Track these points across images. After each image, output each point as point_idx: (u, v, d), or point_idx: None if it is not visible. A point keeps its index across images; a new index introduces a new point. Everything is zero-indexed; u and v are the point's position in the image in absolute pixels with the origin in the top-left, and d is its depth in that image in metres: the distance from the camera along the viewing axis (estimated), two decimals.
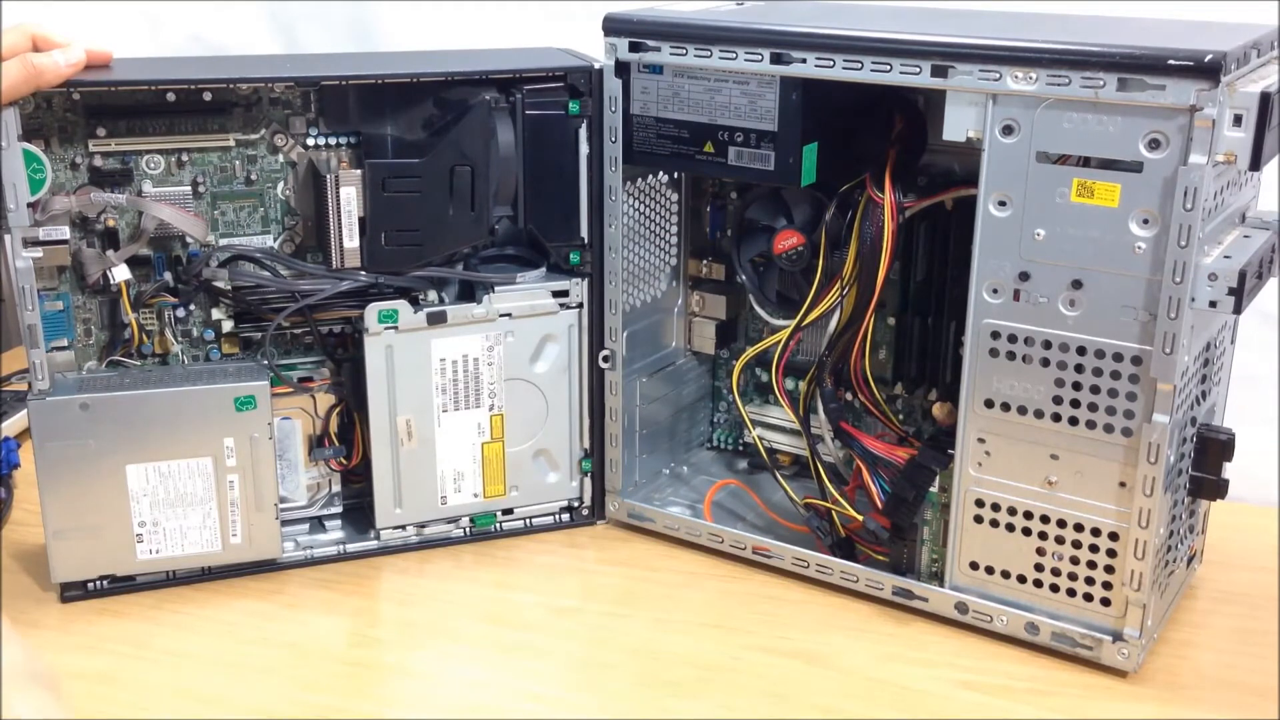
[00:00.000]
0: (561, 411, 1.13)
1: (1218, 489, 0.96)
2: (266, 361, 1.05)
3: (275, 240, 1.07)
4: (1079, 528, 0.93)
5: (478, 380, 1.09)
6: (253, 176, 1.05)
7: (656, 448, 1.20)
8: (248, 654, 0.96)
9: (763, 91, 0.97)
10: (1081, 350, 0.89)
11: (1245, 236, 0.92)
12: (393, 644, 1.00)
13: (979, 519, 0.97)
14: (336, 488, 1.13)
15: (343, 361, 1.09)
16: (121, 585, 1.03)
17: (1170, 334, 0.85)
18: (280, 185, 1.06)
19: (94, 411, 0.97)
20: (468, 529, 1.13)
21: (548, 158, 1.06)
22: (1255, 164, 0.82)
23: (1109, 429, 0.90)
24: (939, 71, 0.89)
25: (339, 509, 1.13)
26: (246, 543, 1.04)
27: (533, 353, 1.10)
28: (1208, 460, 0.95)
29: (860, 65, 0.92)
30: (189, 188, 1.03)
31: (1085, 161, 0.87)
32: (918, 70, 0.90)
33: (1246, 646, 0.99)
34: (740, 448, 1.26)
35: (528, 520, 1.15)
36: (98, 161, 1.00)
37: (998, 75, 0.87)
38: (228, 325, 1.06)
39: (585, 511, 1.16)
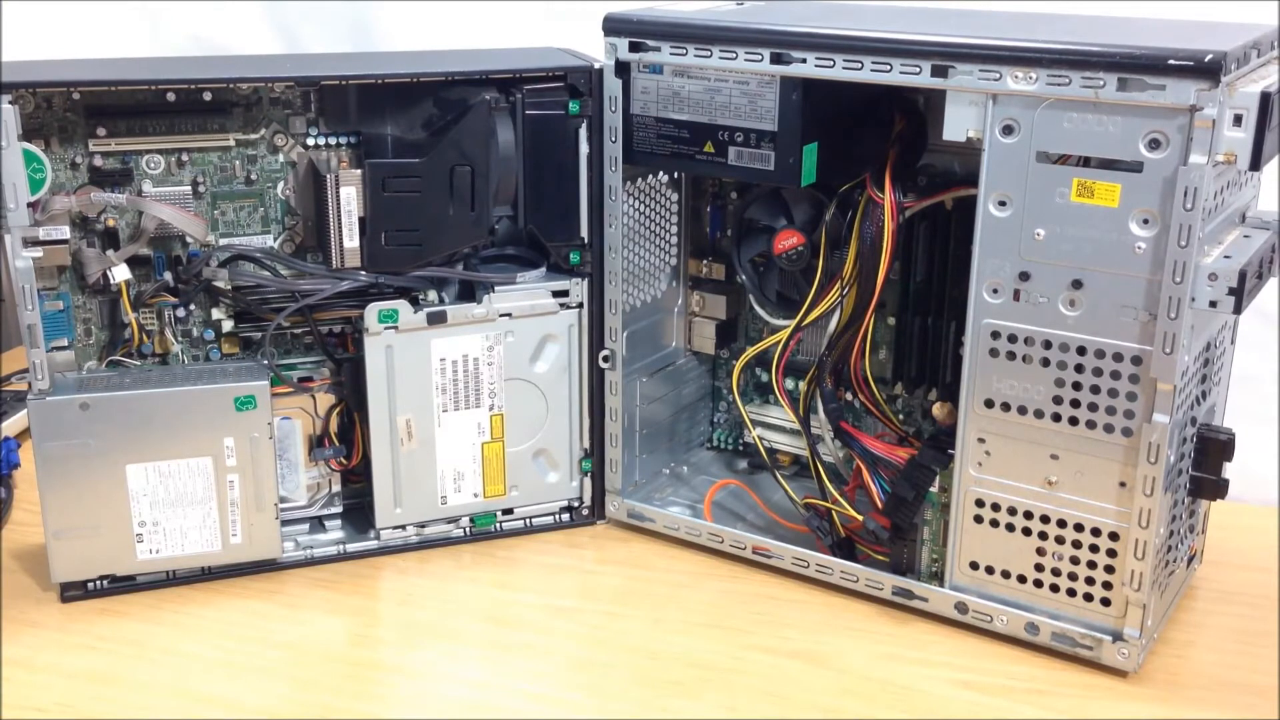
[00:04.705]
0: (561, 411, 1.13)
1: (1218, 489, 0.96)
2: (266, 361, 1.05)
3: (275, 240, 1.07)
4: (1079, 528, 0.93)
5: (478, 380, 1.09)
6: (253, 176, 1.05)
7: (656, 448, 1.20)
8: (248, 654, 0.96)
9: (763, 91, 0.97)
10: (1081, 350, 0.89)
11: (1245, 236, 0.92)
12: (393, 644, 1.00)
13: (979, 519, 0.97)
14: (336, 488, 1.13)
15: (343, 361, 1.09)
16: (121, 585, 1.03)
17: (1170, 334, 0.85)
18: (280, 185, 1.06)
19: (94, 411, 0.97)
20: (468, 529, 1.13)
21: (548, 158, 1.06)
22: (1255, 164, 0.82)
23: (1109, 429, 0.90)
24: (939, 71, 0.89)
25: (339, 509, 1.13)
26: (246, 543, 1.04)
27: (533, 353, 1.10)
28: (1208, 460, 0.95)
29: (860, 65, 0.92)
30: (189, 188, 1.03)
31: (1085, 161, 0.87)
32: (918, 70, 0.90)
33: (1246, 646, 0.99)
34: (740, 448, 1.26)
35: (528, 520, 1.15)
36: (98, 161, 1.00)
37: (998, 75, 0.87)
38: (228, 325, 1.06)
39: (585, 511, 1.16)
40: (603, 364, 1.12)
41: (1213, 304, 0.85)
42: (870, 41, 0.91)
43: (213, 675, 0.94)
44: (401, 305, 1.05)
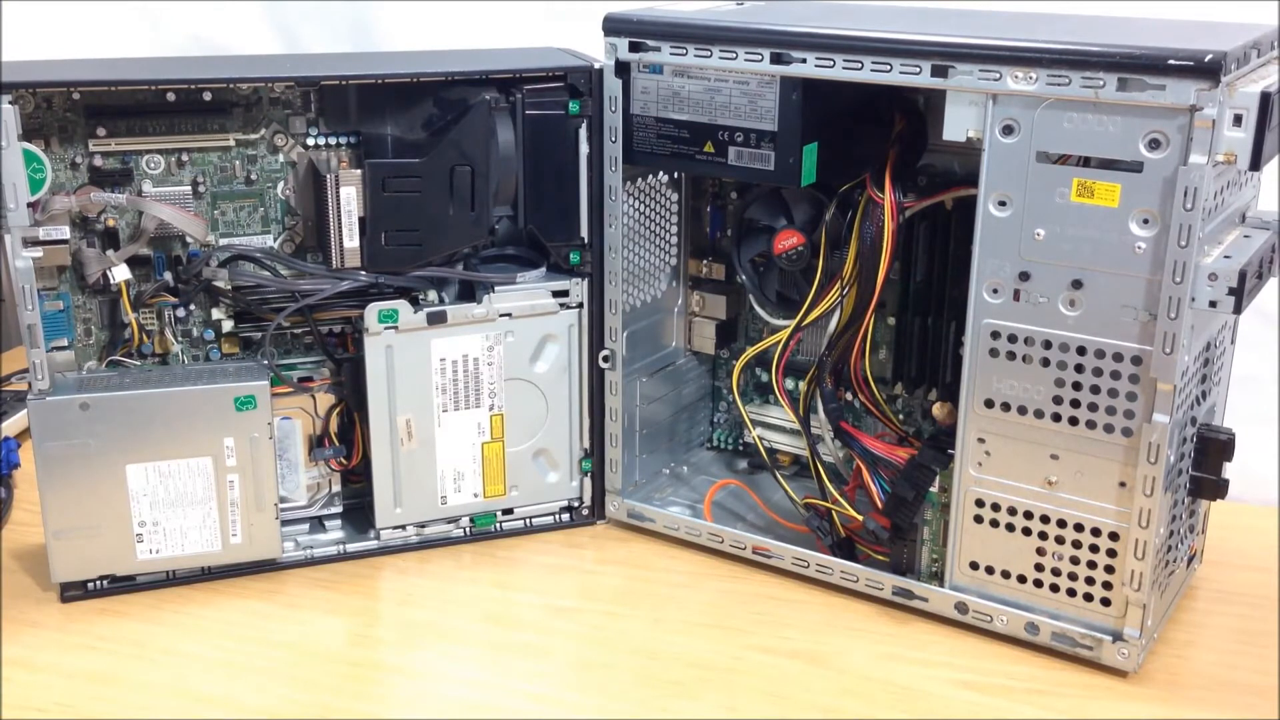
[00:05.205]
0: (561, 411, 1.13)
1: (1218, 489, 0.96)
2: (266, 361, 1.05)
3: (275, 240, 1.07)
4: (1079, 528, 0.93)
5: (478, 380, 1.09)
6: (253, 176, 1.05)
7: (656, 448, 1.20)
8: (248, 654, 0.96)
9: (763, 91, 0.97)
10: (1081, 350, 0.89)
11: (1245, 236, 0.92)
12: (393, 644, 1.00)
13: (979, 519, 0.97)
14: (336, 488, 1.13)
15: (343, 361, 1.09)
16: (121, 585, 1.03)
17: (1170, 334, 0.85)
18: (280, 185, 1.06)
19: (94, 411, 0.97)
20: (468, 529, 1.13)
21: (548, 158, 1.06)
22: (1255, 164, 0.82)
23: (1109, 429, 0.90)
24: (939, 71, 0.89)
25: (339, 509, 1.13)
26: (246, 543, 1.04)
27: (533, 353, 1.10)
28: (1208, 460, 0.95)
29: (860, 65, 0.92)
30: (189, 188, 1.03)
31: (1085, 161, 0.87)
32: (918, 70, 0.90)
33: (1246, 646, 0.99)
34: (740, 448, 1.26)
35: (528, 520, 1.15)
36: (98, 161, 1.00)
37: (998, 75, 0.87)
38: (228, 325, 1.06)
39: (585, 511, 1.16)
40: (603, 364, 1.12)
41: (1213, 304, 0.85)
42: (870, 41, 0.91)
43: (213, 675, 0.94)
44: (401, 305, 1.05)
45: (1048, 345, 0.91)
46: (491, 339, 1.08)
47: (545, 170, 1.06)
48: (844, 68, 0.92)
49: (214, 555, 1.04)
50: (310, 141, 1.06)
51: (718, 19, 1.00)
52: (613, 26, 1.02)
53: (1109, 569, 0.92)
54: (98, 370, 1.04)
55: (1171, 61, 0.81)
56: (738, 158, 0.99)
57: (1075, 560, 0.93)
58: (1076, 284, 0.88)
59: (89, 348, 1.04)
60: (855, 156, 1.00)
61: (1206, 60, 0.80)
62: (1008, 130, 0.88)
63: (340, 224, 1.02)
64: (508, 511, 1.14)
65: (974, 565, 0.98)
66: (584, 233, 1.09)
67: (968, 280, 0.92)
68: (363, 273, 1.04)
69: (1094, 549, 0.93)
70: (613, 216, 1.08)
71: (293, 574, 1.07)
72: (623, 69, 1.03)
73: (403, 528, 1.11)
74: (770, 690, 0.93)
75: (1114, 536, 0.91)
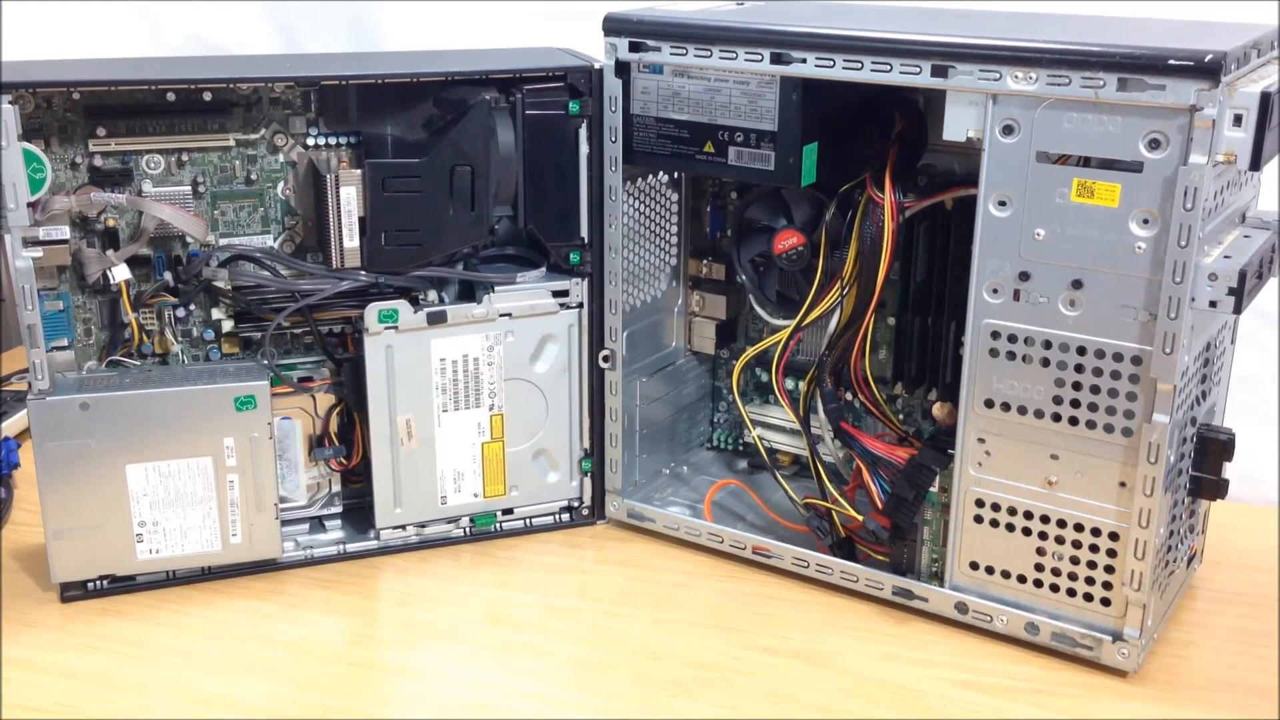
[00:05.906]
0: (561, 411, 1.13)
1: (1218, 489, 0.96)
2: (266, 361, 1.05)
3: (275, 240, 1.07)
4: (1079, 528, 0.93)
5: (478, 380, 1.09)
6: (253, 176, 1.05)
7: (656, 448, 1.20)
8: (248, 654, 0.96)
9: (763, 91, 0.97)
10: (1081, 350, 0.89)
11: (1245, 236, 0.92)
12: (393, 644, 1.00)
13: (979, 519, 0.97)
14: (336, 488, 1.13)
15: (343, 361, 1.09)
16: (121, 585, 1.03)
17: (1170, 334, 0.85)
18: (280, 185, 1.06)
19: (94, 411, 0.97)
20: (468, 529, 1.13)
21: (548, 158, 1.06)
22: (1255, 164, 0.82)
23: (1109, 429, 0.90)
24: (939, 71, 0.89)
25: (339, 509, 1.13)
26: (246, 542, 1.04)
27: (533, 353, 1.10)
28: (1208, 460, 0.95)
29: (860, 65, 0.92)
30: (189, 188, 1.03)
31: (1085, 161, 0.87)
32: (918, 70, 0.90)
33: (1246, 646, 0.99)
34: (740, 448, 1.26)
35: (528, 520, 1.15)
36: (98, 161, 1.00)
37: (998, 75, 0.87)
38: (228, 325, 1.06)
39: (585, 511, 1.16)
40: (603, 364, 1.12)
41: (1213, 304, 0.85)
42: (870, 41, 0.91)
43: (213, 675, 0.94)
44: (401, 305, 1.05)
45: (1048, 345, 0.91)
46: (491, 339, 1.08)
47: (545, 170, 1.06)
48: (844, 68, 0.92)
49: (214, 555, 1.04)
50: (310, 141, 1.06)
51: (718, 19, 1.00)
52: (613, 26, 1.02)
53: (1109, 569, 0.92)
54: (98, 370, 1.04)
55: (1171, 61, 0.81)
56: (738, 158, 0.99)
57: (1075, 560, 0.93)
58: (1076, 284, 0.88)
59: (89, 348, 1.04)
60: (855, 156, 1.00)
61: (1206, 60, 0.80)
62: (1008, 130, 0.88)
63: (340, 224, 1.02)
64: (508, 511, 1.14)
65: (974, 565, 0.98)
66: (584, 233, 1.09)
67: (968, 280, 0.92)
68: (363, 273, 1.04)
69: (1094, 549, 0.93)
70: (613, 216, 1.08)
71: (293, 574, 1.07)
72: (623, 69, 1.03)
73: (403, 528, 1.11)
74: (770, 690, 0.93)
75: (1114, 536, 0.91)
